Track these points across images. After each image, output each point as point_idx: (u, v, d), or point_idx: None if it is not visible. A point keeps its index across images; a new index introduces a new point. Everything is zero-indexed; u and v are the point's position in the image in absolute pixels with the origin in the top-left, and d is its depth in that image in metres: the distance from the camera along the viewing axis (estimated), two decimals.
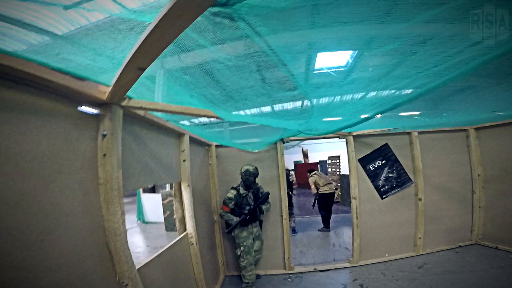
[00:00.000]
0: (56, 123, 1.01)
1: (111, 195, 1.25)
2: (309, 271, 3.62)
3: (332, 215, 5.85)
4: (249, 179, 3.04)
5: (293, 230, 5.49)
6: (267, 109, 2.62)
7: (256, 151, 3.53)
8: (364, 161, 3.81)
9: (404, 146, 3.78)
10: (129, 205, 9.63)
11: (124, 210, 1.35)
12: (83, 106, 1.13)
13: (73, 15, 1.06)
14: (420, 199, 3.68)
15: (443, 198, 3.81)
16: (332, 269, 3.62)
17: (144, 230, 6.72)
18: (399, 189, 3.80)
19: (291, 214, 5.42)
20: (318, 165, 12.13)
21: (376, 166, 3.85)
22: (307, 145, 13.48)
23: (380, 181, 3.83)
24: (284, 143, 3.51)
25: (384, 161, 3.84)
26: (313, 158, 13.59)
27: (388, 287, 2.98)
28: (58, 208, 1.00)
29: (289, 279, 3.47)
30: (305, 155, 13.79)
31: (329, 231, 5.54)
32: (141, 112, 1.53)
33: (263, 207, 3.22)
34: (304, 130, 2.67)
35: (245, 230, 3.11)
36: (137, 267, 1.43)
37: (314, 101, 1.99)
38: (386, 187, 3.82)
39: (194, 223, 2.38)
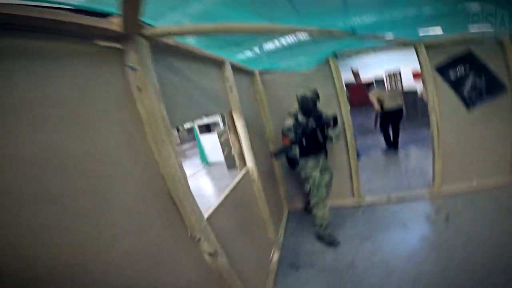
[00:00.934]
0: (78, 63, 0.83)
1: (159, 134, 1.07)
2: (382, 201, 3.19)
3: (402, 135, 5.10)
4: (308, 105, 2.46)
5: (357, 154, 5.11)
6: None
7: (306, 70, 3.00)
8: (442, 70, 3.03)
9: (491, 57, 2.81)
10: (191, 151, 10.06)
11: (179, 151, 1.22)
12: (101, 41, 0.92)
13: None
14: None
15: None
16: (408, 198, 3.13)
17: (209, 171, 6.81)
18: (491, 97, 2.97)
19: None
20: (374, 84, 10.95)
21: (458, 74, 3.05)
22: (358, 62, 11.96)
23: (465, 90, 3.05)
24: (337, 58, 2.95)
25: (467, 69, 3.00)
26: (364, 79, 12.24)
27: (480, 220, 2.44)
28: (106, 161, 0.87)
29: (361, 212, 3.13)
30: (356, 74, 12.39)
31: (398, 151, 4.84)
32: (171, 42, 1.27)
33: (331, 133, 2.59)
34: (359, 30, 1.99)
35: (310, 160, 2.58)
36: (205, 216, 1.34)
37: None
38: (473, 97, 3.06)
39: (253, 156, 2.23)
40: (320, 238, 2.69)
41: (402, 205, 3.07)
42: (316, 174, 2.58)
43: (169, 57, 1.33)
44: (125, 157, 0.96)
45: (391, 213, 2.95)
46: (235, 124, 2.19)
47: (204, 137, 7.41)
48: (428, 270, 2.06)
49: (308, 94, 2.45)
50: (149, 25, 1.05)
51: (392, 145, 4.98)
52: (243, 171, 2.19)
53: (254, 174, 2.25)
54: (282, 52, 2.48)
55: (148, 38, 1.06)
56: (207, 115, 1.64)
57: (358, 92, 8.43)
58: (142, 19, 0.97)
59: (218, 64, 1.98)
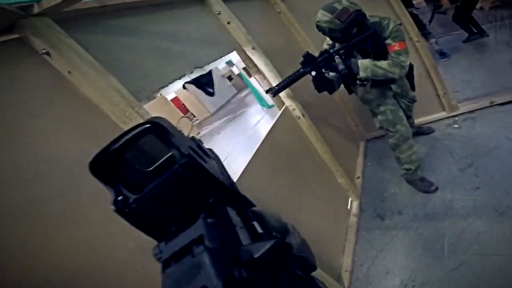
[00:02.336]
0: None
1: (124, 110, 0.93)
2: (483, 107, 2.39)
3: (497, 23, 3.92)
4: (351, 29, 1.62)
5: (442, 54, 3.79)
6: None
7: None
8: None
9: None
10: (250, 96, 9.07)
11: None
12: None
13: None
14: None
15: None
16: None
17: (273, 114, 6.01)
18: None
19: (428, 34, 3.72)
20: None
21: None
22: None
23: None
24: None
25: None
26: None
27: None
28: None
29: (455, 125, 2.42)
30: None
31: (487, 35, 3.64)
32: (96, 4, 1.02)
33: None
34: None
35: (377, 88, 1.86)
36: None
37: None
38: None
39: (289, 91, 1.85)
40: (410, 183, 2.13)
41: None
42: (387, 105, 1.88)
43: (107, 20, 1.09)
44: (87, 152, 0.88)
45: (497, 126, 2.16)
46: (254, 62, 1.82)
47: (253, 80, 6.36)
48: None
49: (324, 19, 1.62)
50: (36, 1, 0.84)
51: (476, 32, 3.80)
52: (281, 110, 1.89)
53: (297, 110, 1.90)
54: None
55: (42, 14, 0.86)
56: (200, 66, 1.38)
57: None
58: None
59: (198, 0, 1.59)
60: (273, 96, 1.79)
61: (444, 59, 3.80)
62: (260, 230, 0.30)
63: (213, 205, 0.28)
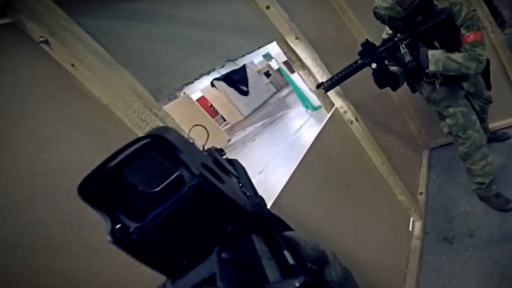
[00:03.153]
0: None
1: (140, 112, 0.81)
2: None
3: None
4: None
5: None
6: None
7: None
8: None
9: None
10: (291, 96, 8.39)
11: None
12: None
13: None
14: None
15: None
16: None
17: (319, 118, 5.41)
18: None
19: (502, 23, 3.28)
20: None
21: None
22: None
23: None
24: None
25: None
26: None
27: None
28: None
29: None
30: None
31: None
32: None
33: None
34: None
35: (446, 86, 1.66)
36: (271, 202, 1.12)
37: None
38: None
39: (340, 90, 1.67)
40: (483, 200, 1.95)
41: None
42: (457, 106, 1.68)
43: (121, 3, 0.96)
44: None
45: None
46: (298, 55, 1.65)
47: (296, 76, 5.65)
48: None
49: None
50: None
51: None
52: (330, 113, 1.70)
53: (349, 113, 1.70)
54: None
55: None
56: (232, 59, 1.19)
57: None
58: None
59: None
60: (326, 92, 1.64)
61: None
62: (291, 262, 0.27)
63: (232, 233, 0.26)
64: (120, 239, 0.23)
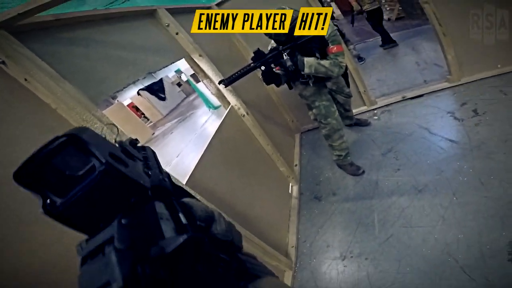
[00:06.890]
0: None
1: (81, 113, 0.98)
2: (397, 101, 2.80)
3: (403, 31, 5.08)
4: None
5: (359, 58, 4.56)
6: None
7: None
8: None
9: None
10: (197, 100, 9.95)
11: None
12: None
13: None
14: None
15: None
16: (426, 93, 2.69)
17: (219, 115, 6.51)
18: None
19: (347, 41, 4.34)
20: None
21: None
22: None
23: None
24: None
25: None
26: None
27: None
28: None
29: (375, 117, 2.78)
30: None
31: (397, 45, 4.49)
32: (50, 17, 1.05)
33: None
34: None
35: (314, 85, 1.98)
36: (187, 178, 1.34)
37: None
38: None
39: (233, 92, 2.04)
40: (341, 167, 2.38)
41: (421, 105, 2.62)
42: (321, 101, 2.03)
43: (62, 32, 1.13)
44: None
45: (409, 116, 2.55)
46: (201, 67, 1.98)
47: (201, 85, 7.11)
48: (464, 182, 1.71)
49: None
50: None
51: (388, 41, 4.65)
52: (227, 109, 2.04)
53: (242, 109, 2.09)
54: None
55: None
56: (151, 71, 1.49)
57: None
58: None
59: (148, 14, 1.70)
60: (225, 87, 1.85)
61: (361, 62, 4.52)
62: (184, 221, 0.31)
63: (135, 204, 0.29)
64: (49, 211, 0.26)
